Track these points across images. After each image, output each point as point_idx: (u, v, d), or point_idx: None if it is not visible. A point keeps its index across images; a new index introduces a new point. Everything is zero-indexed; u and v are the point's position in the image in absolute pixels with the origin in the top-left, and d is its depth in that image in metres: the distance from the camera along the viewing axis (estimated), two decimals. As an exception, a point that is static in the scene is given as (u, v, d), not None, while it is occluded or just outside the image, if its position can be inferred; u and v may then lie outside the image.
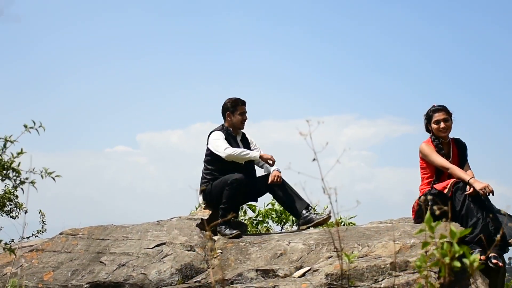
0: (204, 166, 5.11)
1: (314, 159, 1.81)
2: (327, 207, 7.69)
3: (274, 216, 7.25)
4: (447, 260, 1.53)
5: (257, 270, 4.06)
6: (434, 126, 4.65)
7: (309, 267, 4.02)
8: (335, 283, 3.79)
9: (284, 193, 4.97)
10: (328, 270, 3.85)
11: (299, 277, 3.97)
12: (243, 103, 5.15)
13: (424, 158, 4.66)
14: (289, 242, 4.38)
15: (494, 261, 3.98)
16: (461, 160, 4.66)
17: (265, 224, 7.33)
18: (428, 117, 4.72)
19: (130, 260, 4.38)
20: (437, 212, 1.78)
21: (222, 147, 4.88)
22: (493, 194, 4.26)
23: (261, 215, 7.23)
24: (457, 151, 4.70)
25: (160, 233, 4.66)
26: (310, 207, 5.00)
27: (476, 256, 1.60)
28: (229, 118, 5.13)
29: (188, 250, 4.42)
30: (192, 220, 4.89)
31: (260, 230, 7.05)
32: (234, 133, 5.15)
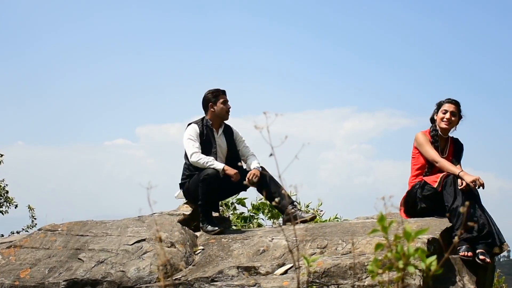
0: (184, 161, 4.97)
1: (271, 154, 1.68)
2: (321, 203, 7.58)
3: (266, 211, 7.11)
4: (400, 264, 1.40)
5: (238, 267, 3.94)
6: (440, 114, 4.55)
7: (291, 264, 3.91)
8: (317, 281, 3.68)
9: (270, 188, 4.82)
10: (311, 268, 3.74)
11: (281, 274, 3.86)
12: (224, 92, 4.97)
13: (417, 147, 4.56)
14: (272, 239, 4.26)
15: (481, 257, 3.87)
16: (455, 159, 4.55)
17: (255, 220, 7.19)
18: (439, 105, 4.62)
19: (109, 257, 4.26)
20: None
21: (190, 151, 4.73)
22: (483, 187, 4.15)
23: (253, 210, 7.10)
24: (453, 150, 4.59)
25: (141, 229, 4.53)
26: (296, 204, 4.88)
27: (432, 259, 1.47)
28: (212, 109, 4.93)
29: (168, 247, 4.29)
30: (173, 215, 4.77)
31: (251, 226, 6.92)
32: (214, 126, 4.96)
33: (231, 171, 4.64)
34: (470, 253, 3.89)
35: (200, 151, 4.73)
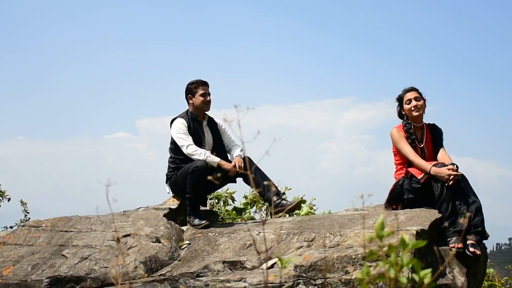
0: (170, 154, 4.86)
1: (241, 150, 1.58)
2: (314, 198, 7.48)
3: (259, 204, 7.01)
4: (392, 273, 1.29)
5: (224, 262, 3.87)
6: (406, 106, 4.48)
7: (277, 258, 3.83)
8: (304, 275, 3.60)
9: (255, 179, 4.69)
10: (297, 262, 3.66)
11: (267, 268, 3.78)
12: (203, 83, 4.86)
13: (394, 144, 4.47)
14: (259, 232, 4.17)
15: (471, 249, 3.79)
16: (436, 145, 4.46)
17: (247, 212, 7.09)
18: (400, 99, 4.55)
19: (93, 253, 4.17)
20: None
21: (185, 144, 4.62)
22: (461, 177, 4.02)
23: (246, 203, 7.00)
24: (431, 136, 4.50)
25: (125, 224, 4.44)
26: (281, 193, 4.78)
27: (427, 272, 1.35)
28: (191, 101, 4.85)
29: (153, 242, 4.21)
30: (159, 210, 4.68)
31: (243, 219, 6.83)
32: (199, 117, 4.86)
33: (227, 165, 4.56)
34: (460, 245, 3.80)
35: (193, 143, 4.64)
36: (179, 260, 4.10)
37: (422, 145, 4.42)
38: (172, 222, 4.56)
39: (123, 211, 4.74)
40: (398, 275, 1.29)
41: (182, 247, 4.26)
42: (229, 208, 7.00)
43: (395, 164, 4.51)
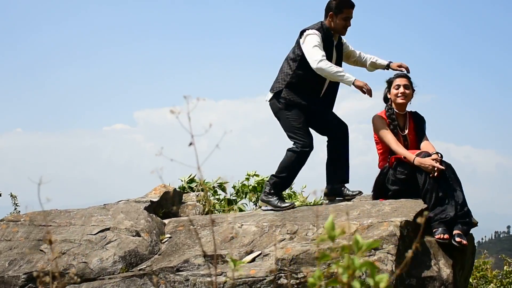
0: (288, 65, 4.46)
1: (190, 144, 1.44)
2: (305, 186, 7.36)
3: (250, 195, 6.89)
4: (345, 277, 1.17)
5: (205, 256, 3.77)
6: (393, 91, 4.37)
7: (259, 252, 3.74)
8: (285, 268, 3.51)
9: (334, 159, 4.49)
10: (279, 255, 3.57)
11: (248, 262, 3.69)
12: (351, 5, 4.42)
13: (375, 132, 4.36)
14: (242, 225, 4.08)
15: (457, 239, 3.69)
16: (418, 133, 4.37)
17: (240, 202, 6.97)
18: (389, 82, 4.43)
19: (72, 247, 4.06)
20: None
21: (316, 57, 4.22)
22: (446, 166, 3.92)
23: (238, 192, 6.88)
24: (414, 124, 4.40)
25: (105, 218, 4.33)
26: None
27: (383, 276, 1.23)
28: (330, 19, 4.41)
29: (133, 236, 4.10)
30: (140, 203, 4.57)
31: (233, 210, 6.71)
32: (333, 36, 4.46)
33: (360, 83, 4.19)
34: (446, 236, 3.71)
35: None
36: (159, 254, 4.00)
37: (404, 133, 4.32)
38: (153, 215, 4.45)
39: (103, 204, 4.63)
40: (351, 279, 1.17)
41: (163, 241, 4.16)
42: (217, 198, 6.88)
43: (378, 153, 4.41)
